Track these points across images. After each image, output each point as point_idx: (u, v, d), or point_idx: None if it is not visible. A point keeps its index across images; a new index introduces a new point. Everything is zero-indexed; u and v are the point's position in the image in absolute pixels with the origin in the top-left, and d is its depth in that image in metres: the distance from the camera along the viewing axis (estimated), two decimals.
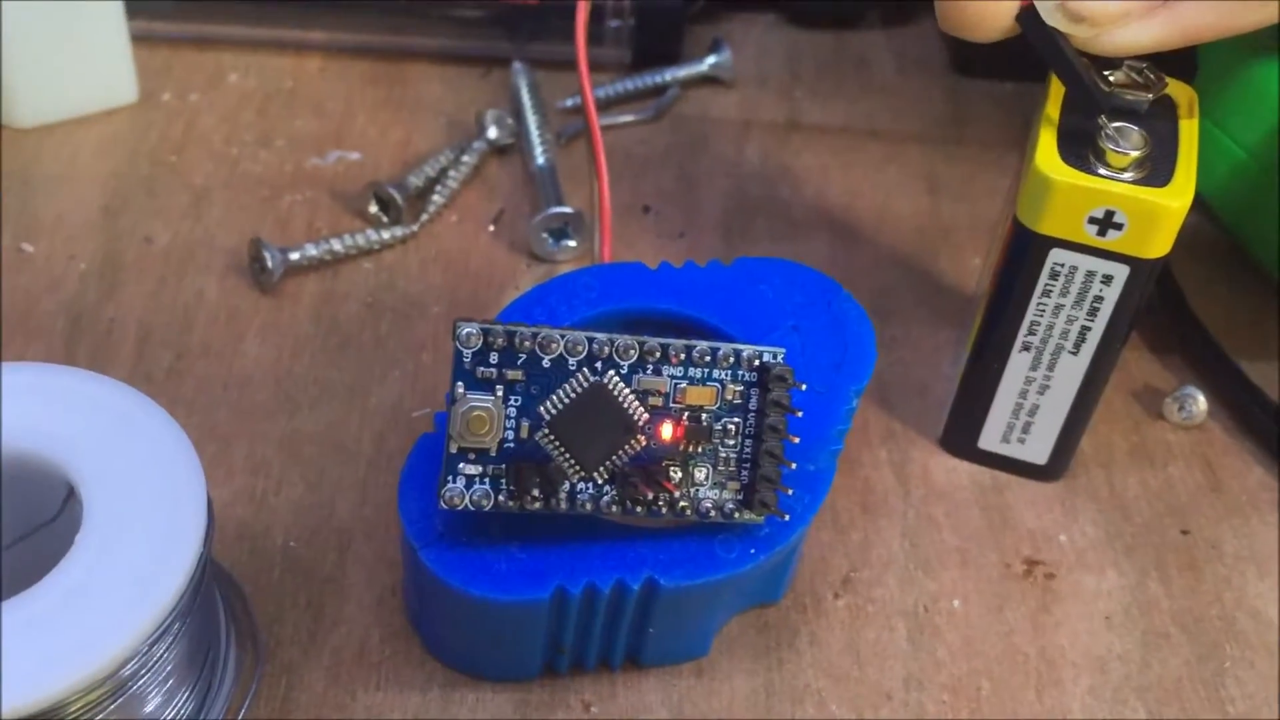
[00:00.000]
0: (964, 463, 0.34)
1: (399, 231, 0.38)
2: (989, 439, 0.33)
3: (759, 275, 0.32)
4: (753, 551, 0.27)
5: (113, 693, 0.24)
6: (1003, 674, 0.30)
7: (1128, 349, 0.37)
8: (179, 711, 0.26)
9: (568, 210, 0.37)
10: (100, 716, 0.24)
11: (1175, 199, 0.28)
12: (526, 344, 0.25)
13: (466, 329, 0.24)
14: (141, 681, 0.24)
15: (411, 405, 0.34)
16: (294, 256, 0.36)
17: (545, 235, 0.38)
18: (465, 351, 0.25)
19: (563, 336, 0.25)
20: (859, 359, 0.31)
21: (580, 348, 0.25)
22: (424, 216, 0.38)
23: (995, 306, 0.31)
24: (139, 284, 0.36)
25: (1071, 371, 0.31)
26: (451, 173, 0.39)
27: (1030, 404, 0.32)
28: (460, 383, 0.25)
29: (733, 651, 0.30)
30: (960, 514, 0.33)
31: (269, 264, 0.36)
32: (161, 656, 0.25)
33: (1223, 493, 0.34)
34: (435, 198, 0.39)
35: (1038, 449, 0.33)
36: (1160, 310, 0.38)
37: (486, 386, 0.25)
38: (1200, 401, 0.35)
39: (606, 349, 0.25)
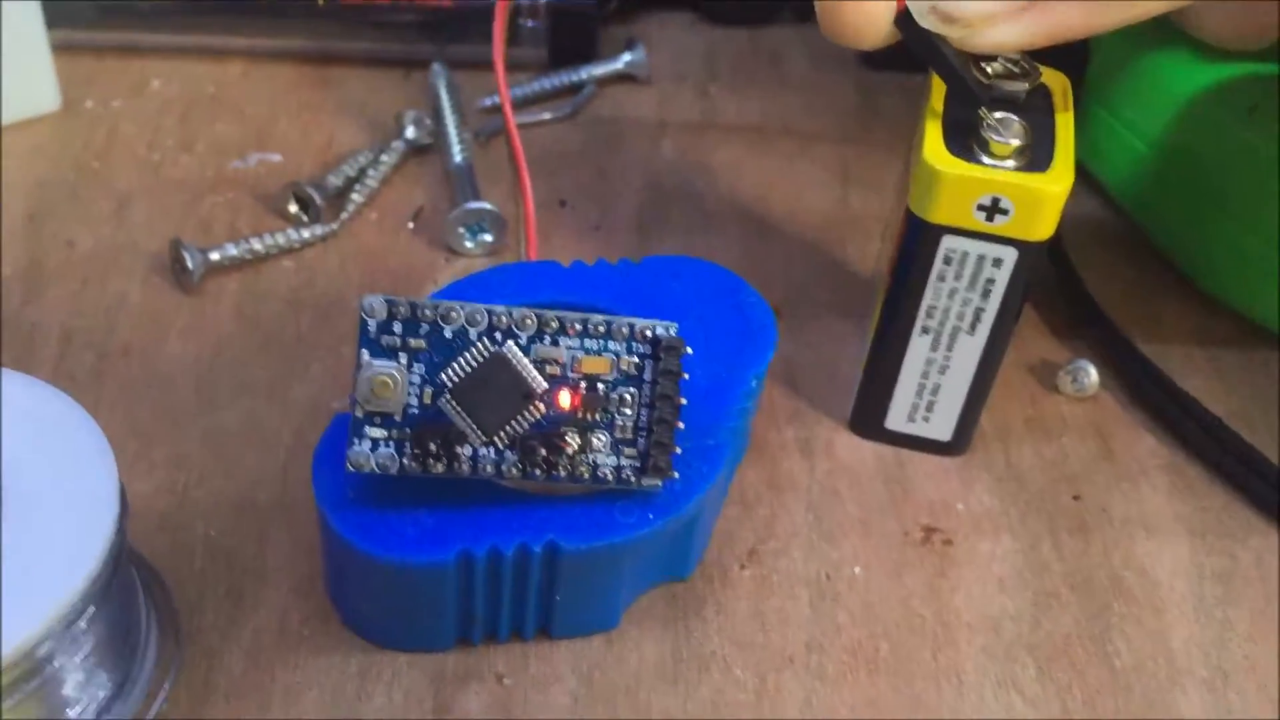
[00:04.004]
0: (867, 440, 0.35)
1: (319, 230, 0.39)
2: (895, 419, 0.35)
3: (668, 272, 0.33)
4: (651, 517, 0.28)
5: (30, 673, 0.25)
6: (901, 636, 0.31)
7: (1024, 326, 0.38)
8: (98, 694, 0.27)
9: (484, 206, 0.39)
10: (19, 696, 0.25)
11: (1056, 184, 0.30)
12: (428, 314, 0.26)
13: (371, 300, 0.26)
14: (59, 662, 0.25)
15: (332, 397, 0.35)
16: (214, 256, 0.37)
17: (462, 231, 0.39)
18: (370, 321, 0.26)
19: (463, 308, 0.26)
20: (759, 346, 0.32)
21: (480, 318, 0.26)
22: (344, 215, 0.39)
23: (894, 293, 0.32)
24: (61, 288, 0.37)
25: (969, 351, 0.33)
26: (371, 172, 0.40)
27: (932, 384, 0.34)
28: (365, 350, 0.26)
29: (642, 622, 0.31)
30: (862, 487, 0.34)
31: (189, 264, 0.36)
32: (78, 639, 0.25)
33: (1114, 460, 0.35)
34: (355, 196, 0.40)
35: (942, 426, 0.35)
36: (1055, 287, 0.39)
37: (390, 354, 0.26)
38: (1092, 374, 0.37)
39: (505, 319, 0.27)
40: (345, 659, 0.29)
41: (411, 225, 0.40)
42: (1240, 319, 0.39)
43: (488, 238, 0.39)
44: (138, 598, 0.29)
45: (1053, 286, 0.39)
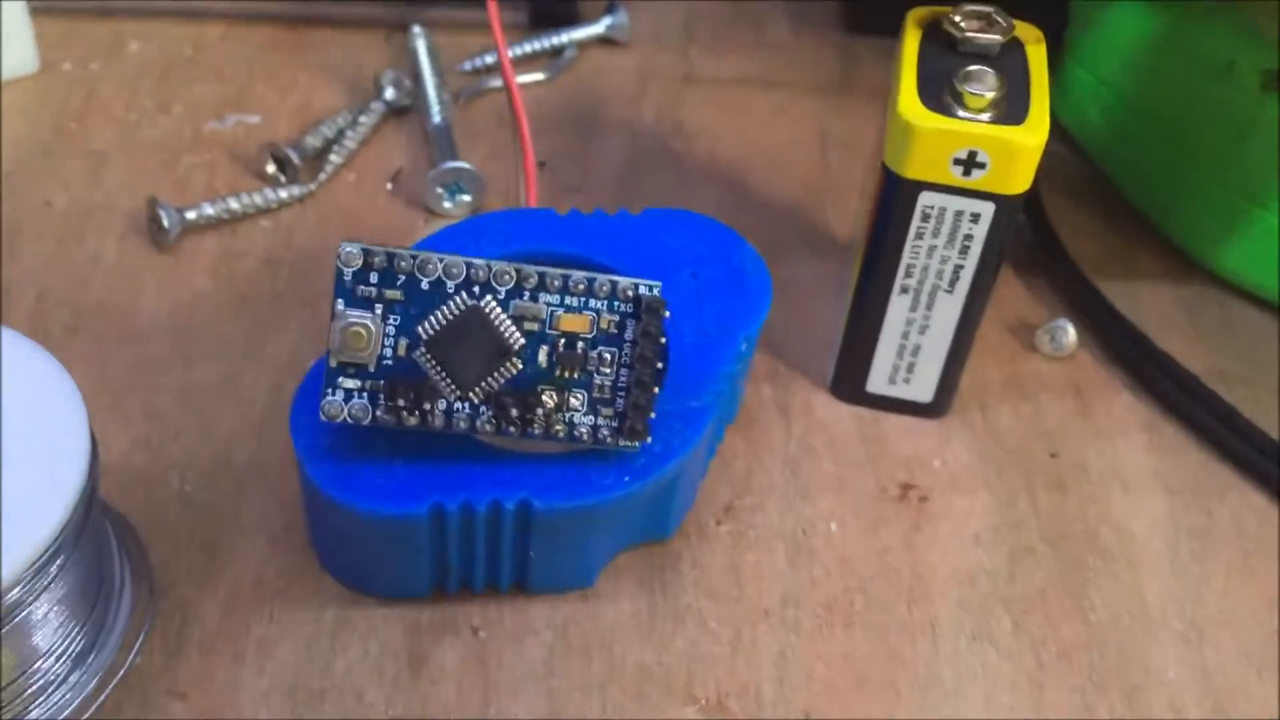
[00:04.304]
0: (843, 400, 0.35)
1: (296, 190, 0.38)
2: (876, 382, 0.35)
3: (664, 225, 0.33)
4: (627, 479, 0.28)
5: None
6: (876, 590, 0.31)
7: (1001, 285, 0.38)
8: (71, 646, 0.27)
9: (463, 166, 0.38)
10: None
11: (1032, 136, 0.30)
12: (405, 265, 0.26)
13: (348, 248, 0.26)
14: (30, 609, 0.25)
15: (308, 355, 0.35)
16: (191, 215, 0.37)
17: (440, 191, 0.39)
18: (345, 270, 0.26)
19: (441, 260, 0.26)
20: (752, 306, 0.32)
21: (458, 271, 0.26)
22: (321, 176, 0.39)
23: (872, 253, 0.32)
24: (37, 246, 0.37)
25: (949, 309, 0.33)
26: (349, 133, 0.40)
27: (913, 344, 0.34)
28: (340, 300, 0.26)
29: (618, 578, 0.31)
30: (840, 444, 0.34)
31: (165, 223, 0.36)
32: (49, 585, 0.25)
33: (1091, 418, 0.35)
34: (333, 157, 0.39)
35: (922, 387, 0.35)
36: (1032, 246, 0.39)
37: (366, 304, 0.26)
38: (1070, 333, 0.37)
39: (484, 273, 0.26)
40: (321, 611, 0.29)
41: (390, 186, 0.40)
42: (1216, 277, 0.39)
43: (466, 198, 0.39)
44: (111, 549, 0.29)
45: (1030, 245, 0.39)
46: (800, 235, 0.40)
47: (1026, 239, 0.39)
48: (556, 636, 0.30)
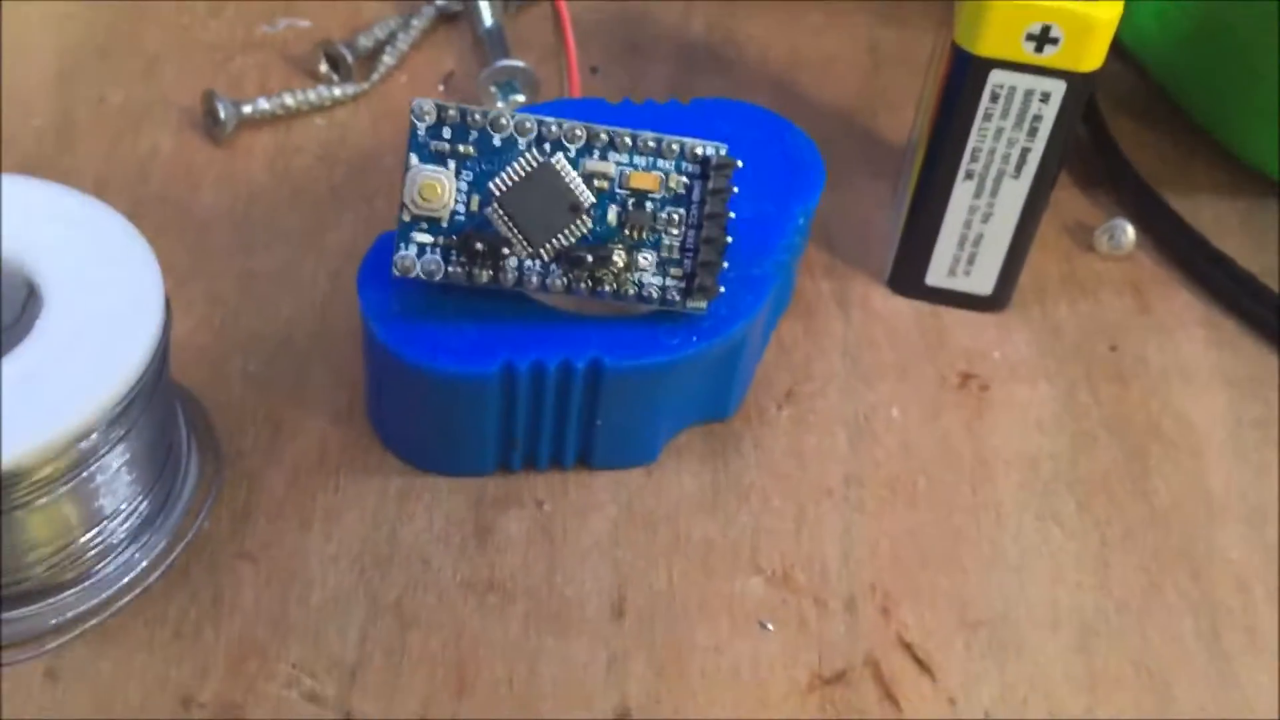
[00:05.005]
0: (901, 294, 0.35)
1: (350, 89, 0.38)
2: (936, 274, 0.34)
3: (715, 113, 0.33)
4: (695, 339, 0.28)
5: (73, 466, 0.25)
6: (938, 472, 0.31)
7: (1058, 189, 0.38)
8: (139, 507, 0.27)
9: (516, 63, 0.38)
10: (60, 490, 0.25)
11: (1106, 10, 0.30)
12: (478, 120, 0.26)
13: (421, 102, 0.26)
14: (101, 461, 0.25)
15: (366, 246, 0.34)
16: (246, 110, 0.37)
17: (494, 89, 0.38)
18: (419, 125, 0.26)
19: (513, 117, 0.26)
20: (807, 184, 0.32)
21: (530, 127, 0.26)
22: (374, 76, 0.39)
23: (937, 138, 0.32)
24: (95, 140, 0.37)
25: (1014, 195, 0.33)
26: (401, 35, 0.40)
27: (975, 233, 0.33)
28: (414, 154, 0.26)
29: (681, 456, 0.31)
30: (898, 335, 0.34)
31: (222, 115, 0.36)
32: (121, 440, 0.25)
33: (1150, 314, 0.35)
34: (385, 58, 0.39)
35: (983, 279, 0.34)
36: (1090, 153, 0.39)
37: (439, 159, 0.26)
38: (1129, 232, 0.36)
39: (555, 130, 0.26)
40: (385, 482, 0.29)
41: (442, 88, 0.40)
42: (1275, 187, 0.38)
43: (520, 98, 0.39)
44: (178, 420, 0.29)
45: (1087, 152, 0.39)
46: (853, 140, 0.40)
47: (1084, 146, 0.39)
48: (621, 510, 0.30)
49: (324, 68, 0.39)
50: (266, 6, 0.42)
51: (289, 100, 0.37)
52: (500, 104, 0.39)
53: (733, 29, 0.43)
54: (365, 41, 0.40)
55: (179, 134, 0.37)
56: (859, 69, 0.42)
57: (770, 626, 0.28)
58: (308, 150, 0.37)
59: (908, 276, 0.35)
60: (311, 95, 0.38)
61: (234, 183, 0.36)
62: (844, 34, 0.43)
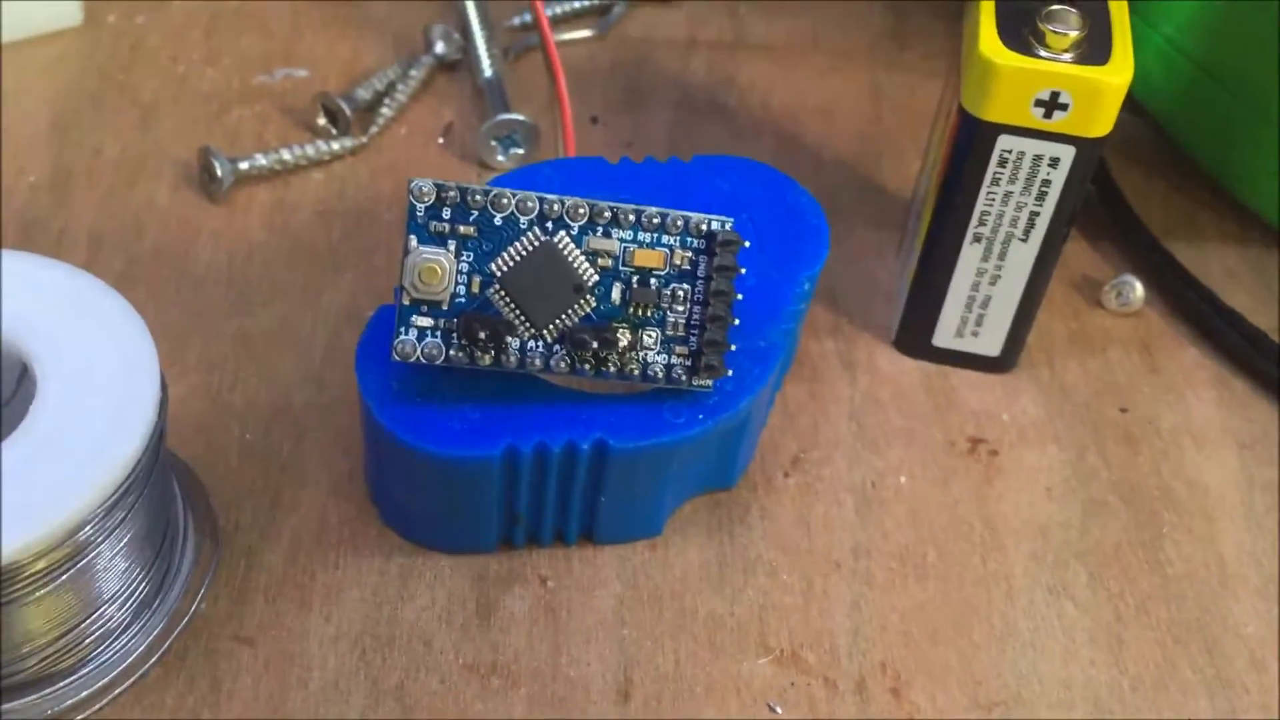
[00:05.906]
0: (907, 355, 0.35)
1: (348, 142, 0.38)
2: (943, 335, 0.34)
3: (716, 171, 0.33)
4: (701, 418, 0.28)
5: (70, 556, 0.24)
6: (948, 542, 0.31)
7: (1066, 243, 0.37)
8: (137, 590, 0.26)
9: (517, 117, 0.38)
10: (60, 580, 0.24)
11: (1116, 76, 0.29)
12: (478, 200, 0.25)
13: (419, 183, 0.25)
14: (99, 550, 0.25)
15: (365, 305, 0.34)
16: (243, 166, 0.36)
17: (494, 143, 0.38)
18: (418, 205, 0.25)
19: (514, 195, 0.25)
20: (811, 248, 0.31)
21: (531, 206, 0.26)
22: (373, 129, 0.39)
23: (944, 200, 0.32)
24: (89, 193, 0.36)
25: (1022, 259, 0.32)
26: (400, 86, 0.39)
27: (983, 295, 0.33)
28: (413, 236, 0.25)
29: (685, 529, 0.30)
30: (905, 398, 0.34)
31: (218, 172, 0.36)
32: (118, 526, 0.25)
33: (1159, 373, 0.35)
34: (384, 110, 0.39)
35: (991, 341, 0.34)
36: (1096, 205, 0.38)
37: (439, 240, 0.25)
38: (1137, 288, 0.36)
39: (557, 208, 0.26)
40: (386, 560, 0.29)
41: (441, 140, 0.39)
42: None
43: (520, 151, 0.38)
44: (175, 495, 0.28)
45: (1094, 204, 0.39)
46: (856, 192, 0.39)
47: (1090, 199, 0.39)
48: (626, 587, 0.29)
49: (322, 120, 0.38)
50: (263, 55, 0.41)
51: (286, 156, 0.37)
52: (501, 158, 0.38)
53: (734, 74, 0.43)
54: (363, 93, 0.39)
55: (175, 188, 0.37)
56: (862, 115, 0.42)
57: (779, 710, 0.27)
58: (305, 206, 0.37)
59: (915, 338, 0.34)
60: (309, 150, 0.37)
61: (231, 238, 0.35)
62: (846, 79, 0.43)
